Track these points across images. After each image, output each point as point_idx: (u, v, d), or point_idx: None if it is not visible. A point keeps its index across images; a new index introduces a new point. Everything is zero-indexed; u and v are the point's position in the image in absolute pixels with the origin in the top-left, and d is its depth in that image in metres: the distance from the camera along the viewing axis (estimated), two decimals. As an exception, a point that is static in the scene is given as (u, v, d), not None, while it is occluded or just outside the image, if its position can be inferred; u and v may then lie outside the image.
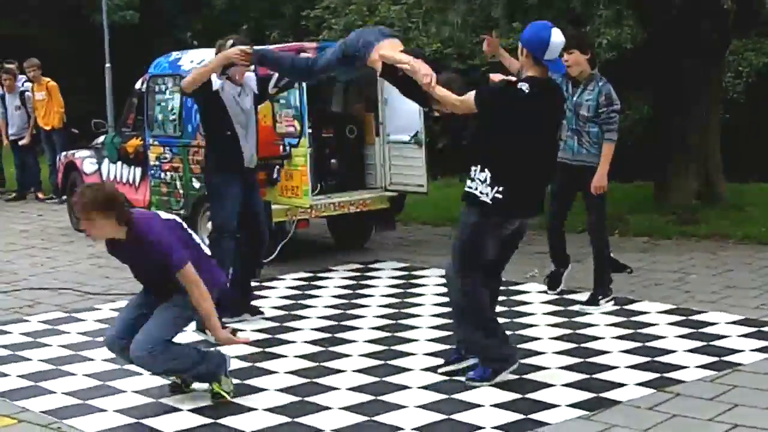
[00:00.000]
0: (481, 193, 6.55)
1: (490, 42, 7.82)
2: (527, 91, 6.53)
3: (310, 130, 10.41)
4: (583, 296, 8.88)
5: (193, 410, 6.29)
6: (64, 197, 14.24)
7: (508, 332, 7.79)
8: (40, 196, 16.52)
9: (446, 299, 8.93)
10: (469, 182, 6.68)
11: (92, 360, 7.47)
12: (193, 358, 6.36)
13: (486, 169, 6.55)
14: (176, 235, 6.28)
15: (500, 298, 8.83)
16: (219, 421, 6.11)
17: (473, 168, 6.64)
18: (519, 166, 6.56)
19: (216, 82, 8.27)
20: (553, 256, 9.26)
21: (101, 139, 13.21)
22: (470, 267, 6.71)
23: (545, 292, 9.16)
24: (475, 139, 6.86)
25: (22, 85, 16.59)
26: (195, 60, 11.42)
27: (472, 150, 6.83)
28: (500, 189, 6.50)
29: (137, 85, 12.35)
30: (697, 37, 11.62)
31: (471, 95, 6.61)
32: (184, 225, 6.51)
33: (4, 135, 16.38)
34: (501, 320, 8.14)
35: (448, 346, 7.49)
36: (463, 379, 6.75)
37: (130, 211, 6.27)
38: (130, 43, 23.93)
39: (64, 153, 14.33)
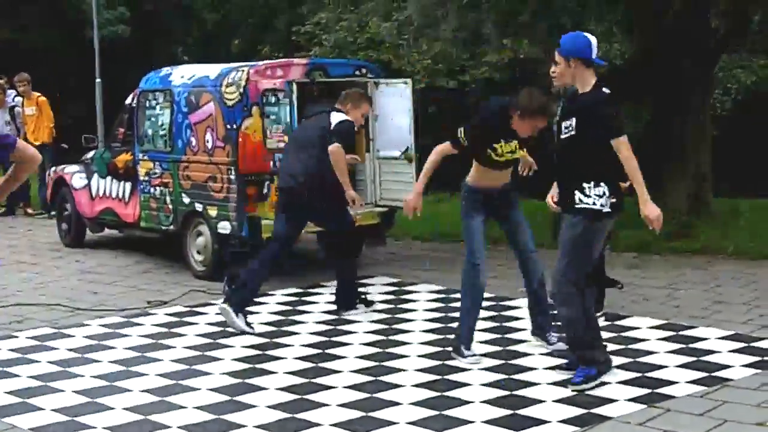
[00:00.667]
0: (602, 205, 6.80)
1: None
2: (609, 91, 6.85)
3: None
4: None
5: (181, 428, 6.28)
6: (53, 212, 14.21)
7: (498, 348, 7.83)
8: (29, 211, 16.49)
9: (437, 314, 9.03)
10: (582, 197, 6.82)
11: (81, 376, 7.43)
12: None
13: (602, 183, 6.78)
14: None
15: (491, 314, 8.88)
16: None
17: (586, 185, 6.80)
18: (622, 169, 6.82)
19: None
20: None
21: (91, 153, 13.20)
22: (583, 274, 6.97)
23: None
24: (576, 158, 6.91)
25: (13, 99, 16.57)
26: (185, 75, 11.43)
27: (578, 168, 6.91)
28: (615, 197, 6.83)
29: (128, 100, 12.34)
30: (688, 53, 11.64)
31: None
32: None
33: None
34: (491, 336, 8.19)
35: (438, 362, 7.49)
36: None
37: None
38: (121, 58, 23.94)
39: (53, 168, 14.29)
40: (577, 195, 6.82)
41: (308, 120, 9.51)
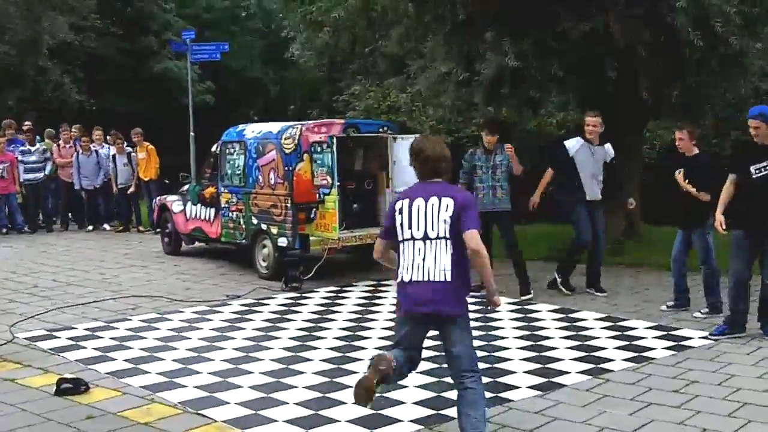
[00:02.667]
0: None
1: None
2: None
3: (339, 183, 10.43)
4: (538, 306, 8.88)
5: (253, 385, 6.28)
6: (158, 230, 14.26)
7: (481, 333, 7.80)
8: (141, 228, 16.54)
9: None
10: None
11: (177, 349, 7.44)
12: None
13: None
14: None
15: (476, 308, 8.85)
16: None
17: None
18: None
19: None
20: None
21: (186, 187, 13.25)
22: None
23: (512, 303, 9.13)
24: None
25: (107, 148, 16.68)
26: (255, 130, 11.48)
27: None
28: None
29: (213, 148, 12.40)
30: (624, 117, 11.62)
31: None
32: None
33: (115, 185, 16.42)
34: (475, 323, 8.16)
35: (437, 342, 7.46)
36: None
37: None
38: (209, 117, 24.10)
39: (158, 197, 14.37)
40: None
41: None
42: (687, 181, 8.35)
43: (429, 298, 4.73)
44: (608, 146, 9.49)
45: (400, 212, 4.83)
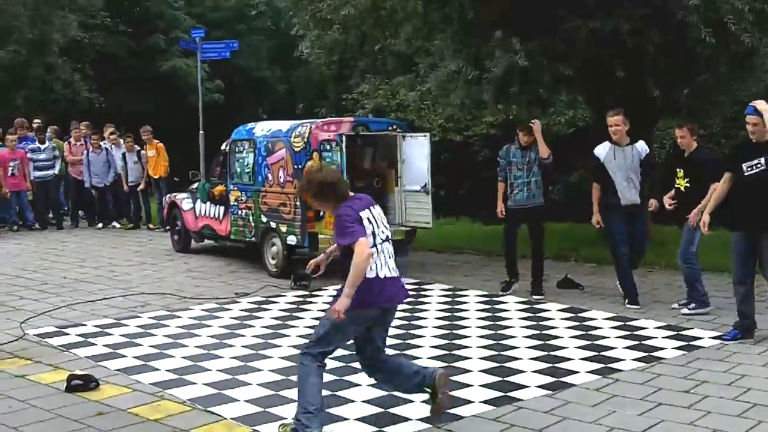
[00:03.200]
0: None
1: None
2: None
3: (348, 181, 10.40)
4: (547, 305, 8.86)
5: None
6: (168, 227, 14.28)
7: (490, 332, 7.79)
8: (151, 226, 16.57)
9: (447, 305, 8.96)
10: None
11: (187, 346, 7.46)
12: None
13: None
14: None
15: (485, 306, 8.85)
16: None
17: None
18: None
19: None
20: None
21: (195, 185, 13.26)
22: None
23: (521, 302, 9.12)
24: None
25: (111, 147, 16.70)
26: (264, 128, 11.48)
27: None
28: None
29: (222, 146, 12.40)
30: (634, 117, 11.57)
31: None
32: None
33: (125, 183, 16.45)
34: (485, 323, 8.14)
35: (447, 341, 7.47)
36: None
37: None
38: (218, 116, 24.10)
39: (168, 195, 14.39)
40: None
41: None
42: (686, 178, 8.31)
43: (400, 291, 5.40)
44: (640, 144, 8.87)
45: (369, 221, 5.26)
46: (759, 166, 7.08)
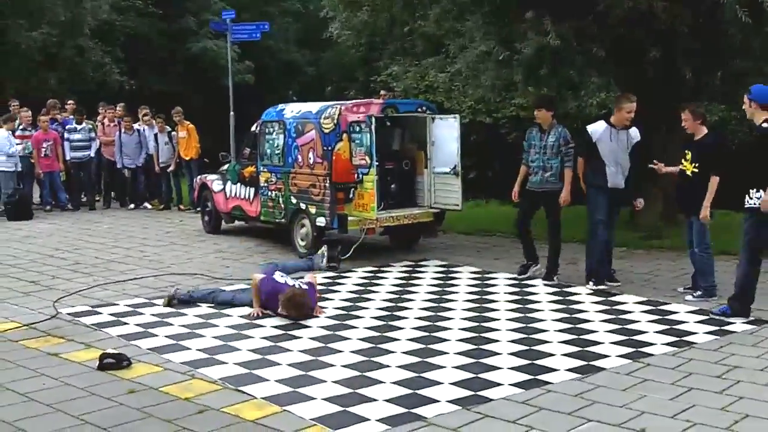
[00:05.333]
0: (757, 205, 7.22)
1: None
2: None
3: (377, 163, 10.40)
4: (577, 289, 8.81)
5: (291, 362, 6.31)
6: (198, 208, 14.34)
7: (519, 314, 7.75)
8: (181, 207, 16.66)
9: (476, 288, 8.92)
10: (750, 201, 7.29)
11: (217, 326, 7.50)
12: None
13: (761, 190, 7.16)
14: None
15: (514, 289, 8.80)
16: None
17: (753, 192, 7.25)
18: None
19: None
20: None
21: (226, 166, 13.29)
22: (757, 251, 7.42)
23: (550, 285, 9.06)
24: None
25: (144, 128, 16.76)
26: (294, 110, 11.47)
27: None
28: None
29: (253, 128, 12.41)
30: (665, 100, 11.43)
31: None
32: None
33: (157, 164, 16.54)
34: (514, 305, 8.11)
35: (476, 324, 7.45)
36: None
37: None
38: (247, 97, 24.13)
39: (198, 176, 14.44)
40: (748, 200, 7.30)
41: None
42: (695, 164, 8.19)
43: None
44: (634, 130, 8.87)
45: None
46: None
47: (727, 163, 7.98)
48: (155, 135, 16.51)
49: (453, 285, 9.21)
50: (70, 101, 18.12)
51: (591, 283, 8.90)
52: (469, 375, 6.01)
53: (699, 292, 8.29)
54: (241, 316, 7.83)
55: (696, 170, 8.17)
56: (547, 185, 9.17)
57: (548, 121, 9.21)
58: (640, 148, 8.97)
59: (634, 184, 8.94)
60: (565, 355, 6.49)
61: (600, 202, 8.82)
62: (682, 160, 8.32)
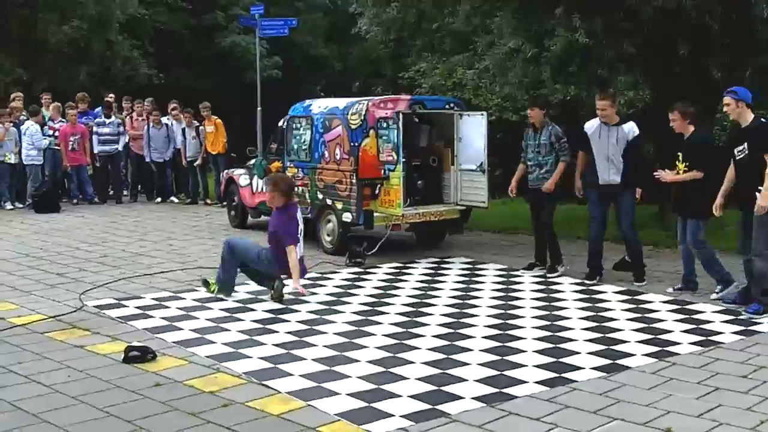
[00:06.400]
0: None
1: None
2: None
3: (404, 160, 10.40)
4: (604, 287, 8.77)
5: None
6: (225, 203, 14.42)
7: (544, 312, 7.73)
8: (208, 201, 16.75)
9: (502, 285, 8.91)
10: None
11: (242, 320, 7.54)
12: None
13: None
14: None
15: (540, 287, 8.78)
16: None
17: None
18: None
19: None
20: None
21: (252, 161, 13.36)
22: None
23: (576, 283, 9.03)
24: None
25: (172, 123, 16.85)
26: (322, 106, 11.50)
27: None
28: None
29: (280, 123, 12.46)
30: (694, 98, 11.32)
31: None
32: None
33: (184, 158, 16.64)
34: (540, 303, 8.09)
35: (501, 321, 7.44)
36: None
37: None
38: (275, 93, 24.22)
39: (225, 171, 14.53)
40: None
41: None
42: (684, 163, 8.27)
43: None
44: (629, 126, 8.87)
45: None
46: (744, 151, 7.60)
47: (715, 160, 8.15)
48: (183, 129, 16.62)
49: (478, 282, 9.20)
50: (110, 95, 18.26)
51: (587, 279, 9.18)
52: (494, 372, 6.01)
53: (719, 287, 8.32)
54: (265, 311, 7.86)
55: (687, 170, 8.27)
56: (542, 181, 9.47)
57: (541, 120, 9.55)
58: (637, 141, 8.96)
59: (628, 177, 8.86)
60: (590, 353, 6.47)
61: (591, 201, 9.12)
62: (676, 162, 8.36)
